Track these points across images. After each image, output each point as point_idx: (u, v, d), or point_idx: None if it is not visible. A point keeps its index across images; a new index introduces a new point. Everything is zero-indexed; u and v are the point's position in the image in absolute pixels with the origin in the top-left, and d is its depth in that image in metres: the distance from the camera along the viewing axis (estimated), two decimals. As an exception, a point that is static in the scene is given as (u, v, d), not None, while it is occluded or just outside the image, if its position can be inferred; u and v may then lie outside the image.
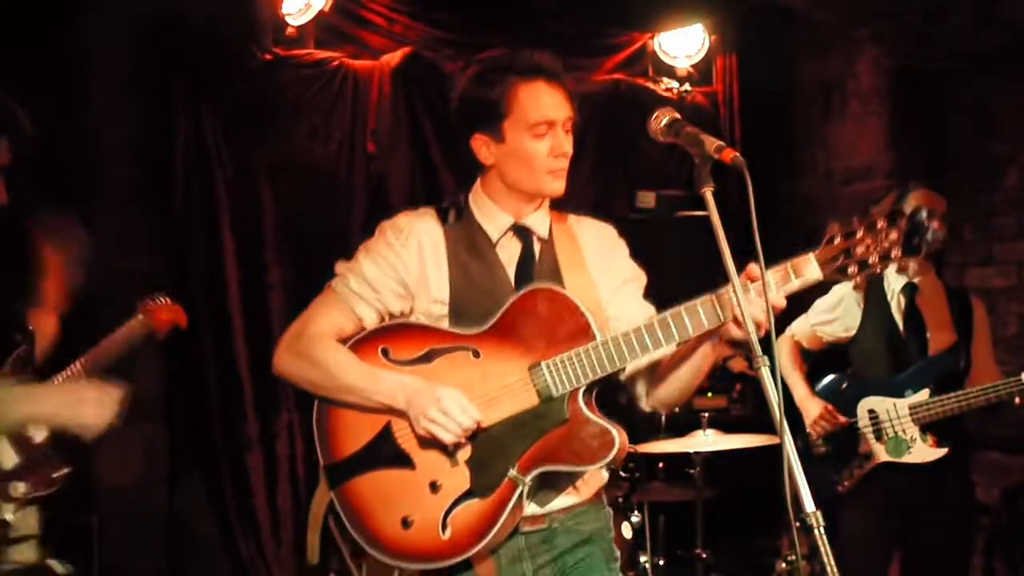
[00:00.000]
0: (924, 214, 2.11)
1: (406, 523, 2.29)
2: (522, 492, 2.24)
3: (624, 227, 2.59)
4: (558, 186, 2.39)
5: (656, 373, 2.40)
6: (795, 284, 2.13)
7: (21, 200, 2.35)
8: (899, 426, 3.72)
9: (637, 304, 2.43)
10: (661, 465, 4.77)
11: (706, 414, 4.42)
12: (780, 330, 4.05)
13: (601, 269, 2.45)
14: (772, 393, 1.94)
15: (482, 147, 2.40)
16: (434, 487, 2.28)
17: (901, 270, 3.79)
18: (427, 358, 2.32)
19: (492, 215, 2.43)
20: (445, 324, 2.35)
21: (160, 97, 4.80)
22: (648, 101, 5.62)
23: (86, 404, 2.30)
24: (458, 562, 2.27)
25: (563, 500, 2.37)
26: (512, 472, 2.24)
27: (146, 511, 4.74)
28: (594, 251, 2.48)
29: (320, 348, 2.36)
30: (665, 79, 5.90)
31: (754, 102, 5.97)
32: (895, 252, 2.09)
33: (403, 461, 2.31)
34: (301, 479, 4.98)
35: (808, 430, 3.85)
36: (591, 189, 5.51)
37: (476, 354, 2.30)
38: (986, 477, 4.79)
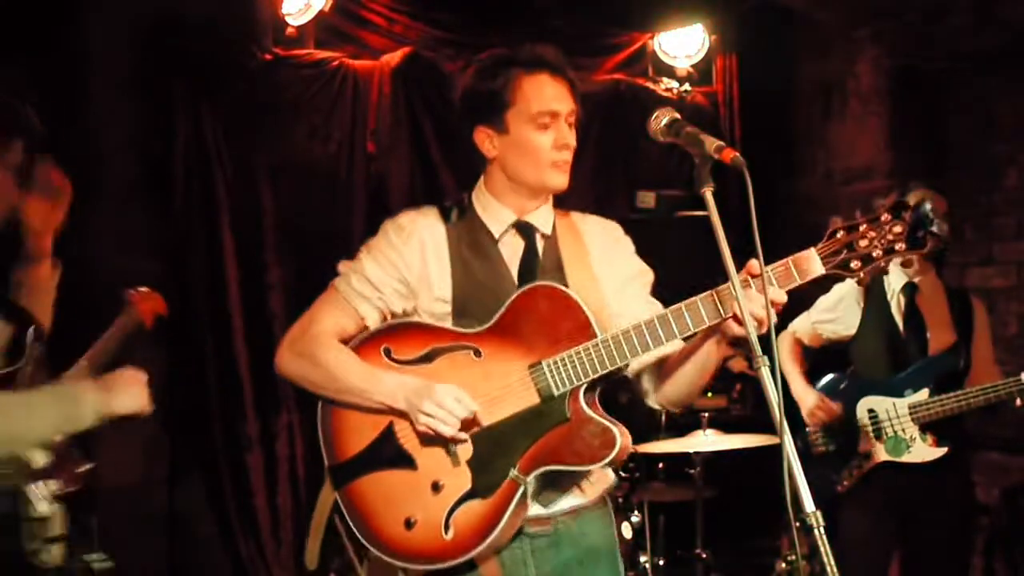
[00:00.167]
0: (929, 206, 2.09)
1: (409, 524, 2.29)
2: (524, 492, 2.24)
3: (624, 227, 2.59)
4: (561, 179, 2.38)
5: (663, 370, 2.38)
6: (797, 280, 2.12)
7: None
8: (899, 425, 3.72)
9: (643, 301, 2.42)
10: (661, 465, 4.77)
11: (706, 414, 4.42)
12: (782, 327, 4.06)
13: (605, 266, 2.44)
14: (772, 393, 1.93)
15: (485, 140, 2.39)
16: (436, 487, 2.28)
17: (906, 264, 3.77)
18: (428, 357, 2.32)
19: (495, 212, 2.42)
20: (448, 322, 2.35)
21: (160, 97, 4.80)
22: (648, 101, 5.62)
23: (126, 392, 2.30)
24: (462, 562, 2.26)
25: (568, 501, 2.36)
26: (513, 472, 2.23)
27: (146, 511, 4.74)
28: (598, 248, 2.47)
29: (322, 348, 2.36)
30: (665, 79, 5.90)
31: (754, 102, 5.97)
32: (899, 245, 2.08)
33: (405, 461, 2.31)
34: (301, 479, 4.98)
35: (805, 421, 3.86)
36: (591, 189, 5.51)
37: (477, 353, 2.30)
38: (986, 477, 4.79)
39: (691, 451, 4.30)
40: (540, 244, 2.43)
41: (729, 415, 5.23)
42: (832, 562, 1.86)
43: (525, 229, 2.42)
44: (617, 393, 2.41)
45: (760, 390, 1.96)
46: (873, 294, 3.88)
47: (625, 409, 2.32)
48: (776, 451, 1.91)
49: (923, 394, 3.71)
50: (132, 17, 4.66)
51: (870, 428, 3.78)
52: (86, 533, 2.25)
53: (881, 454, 3.75)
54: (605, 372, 2.22)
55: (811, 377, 4.01)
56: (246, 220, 4.94)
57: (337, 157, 5.14)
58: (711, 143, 2.08)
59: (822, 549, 1.87)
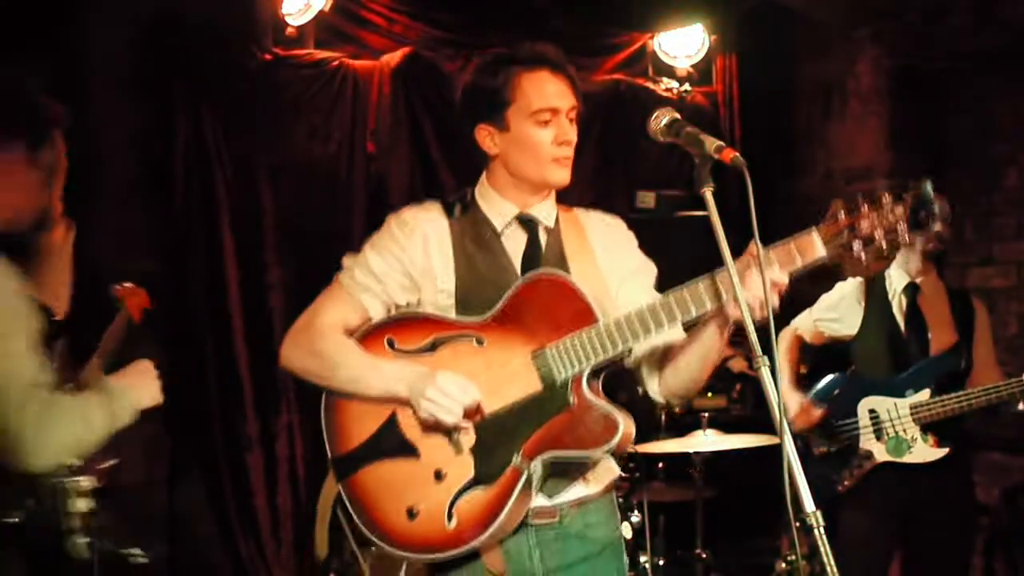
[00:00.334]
0: (930, 187, 2.07)
1: (412, 514, 2.28)
2: (528, 479, 2.23)
3: (623, 227, 2.59)
4: (563, 175, 2.39)
5: (665, 360, 2.38)
6: (798, 261, 2.11)
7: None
8: (900, 426, 3.72)
9: (647, 294, 2.41)
10: (661, 465, 4.77)
11: (706, 414, 4.42)
12: (784, 323, 4.06)
13: (609, 259, 2.45)
14: (772, 393, 1.93)
15: (486, 137, 2.40)
16: (439, 476, 2.28)
17: (908, 246, 3.76)
18: (432, 347, 2.33)
19: (497, 205, 2.43)
20: (452, 314, 2.36)
21: (160, 97, 4.80)
22: (648, 101, 5.62)
23: (145, 386, 2.34)
24: (465, 552, 2.25)
25: (573, 491, 2.36)
26: (516, 459, 2.23)
27: (146, 511, 4.74)
28: (601, 242, 2.48)
29: (325, 341, 2.37)
30: (665, 79, 5.90)
31: (754, 102, 5.97)
32: (901, 227, 2.06)
33: (408, 450, 2.31)
34: (301, 479, 4.98)
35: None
36: (592, 189, 5.50)
37: (480, 342, 2.30)
38: (986, 477, 4.79)
39: (691, 451, 4.30)
40: (543, 237, 2.44)
41: (729, 415, 5.23)
42: (832, 562, 1.86)
43: (528, 222, 2.43)
44: (617, 392, 2.40)
45: (760, 390, 1.96)
46: (875, 294, 3.88)
47: (625, 408, 2.31)
48: (776, 451, 1.91)
49: (924, 394, 3.70)
50: (132, 17, 4.67)
51: (871, 428, 3.77)
52: (116, 528, 2.26)
53: (882, 454, 3.74)
54: (608, 357, 2.22)
55: (811, 377, 4.01)
56: (246, 220, 4.95)
57: (337, 157, 5.15)
58: (711, 143, 2.08)
59: (822, 549, 1.87)
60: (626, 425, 2.21)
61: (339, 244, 5.08)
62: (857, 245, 2.07)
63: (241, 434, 4.92)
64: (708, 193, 2.06)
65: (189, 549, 4.87)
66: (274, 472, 4.98)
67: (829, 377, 3.97)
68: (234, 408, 4.91)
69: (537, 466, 2.24)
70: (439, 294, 2.37)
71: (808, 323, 4.05)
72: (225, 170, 4.91)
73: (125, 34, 4.68)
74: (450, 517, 2.25)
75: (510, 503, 2.22)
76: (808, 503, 1.87)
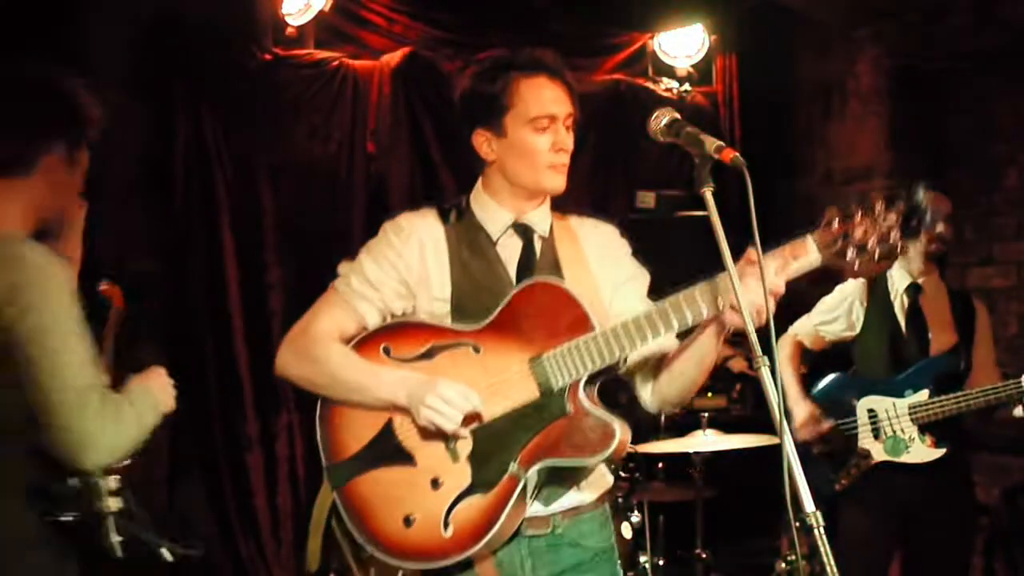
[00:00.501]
0: (922, 195, 2.10)
1: (408, 521, 2.28)
2: (524, 487, 2.23)
3: (624, 227, 2.59)
4: (559, 181, 2.39)
5: (659, 368, 2.39)
6: (793, 267, 2.12)
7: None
8: (897, 426, 3.72)
9: (640, 302, 2.41)
10: (661, 465, 4.76)
11: (706, 414, 4.42)
12: (783, 329, 4.06)
13: (603, 267, 2.45)
14: (772, 393, 1.93)
15: (483, 143, 2.40)
16: (435, 484, 2.28)
17: (903, 251, 3.77)
18: (428, 355, 2.32)
19: (493, 213, 2.43)
20: (448, 322, 2.36)
21: (160, 97, 4.80)
22: (648, 101, 5.62)
23: (163, 391, 2.35)
24: (460, 561, 2.25)
25: (567, 500, 2.36)
26: (513, 466, 2.22)
27: (146, 511, 4.74)
28: (595, 250, 2.48)
29: (322, 348, 2.36)
30: (665, 79, 5.90)
31: (754, 102, 5.97)
32: (895, 234, 2.08)
33: (404, 458, 2.31)
34: (301, 479, 4.98)
35: (792, 432, 3.84)
36: (591, 189, 5.51)
37: (477, 349, 2.30)
38: (986, 477, 4.79)
39: (691, 451, 4.30)
40: (538, 245, 2.44)
41: (729, 415, 5.23)
42: (832, 562, 1.86)
43: (523, 230, 2.43)
44: (617, 393, 2.41)
45: (760, 390, 1.96)
46: (877, 294, 3.88)
47: (625, 409, 2.31)
48: (776, 451, 1.91)
49: (923, 395, 3.71)
50: (132, 17, 4.66)
51: (869, 428, 3.78)
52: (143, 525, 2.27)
53: (880, 454, 3.75)
54: (604, 365, 2.22)
55: (812, 377, 4.01)
56: (246, 220, 4.94)
57: (337, 157, 5.15)
58: (711, 143, 2.08)
59: (822, 549, 1.87)
60: (623, 433, 2.21)
61: (339, 244, 5.11)
62: (851, 252, 2.09)
63: (241, 434, 4.92)
64: (708, 193, 2.06)
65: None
66: (274, 472, 4.98)
67: (830, 377, 3.97)
68: (234, 408, 4.91)
69: (533, 474, 2.24)
70: (435, 302, 2.37)
71: (808, 328, 4.04)
72: (225, 170, 4.91)
73: (125, 34, 4.67)
74: (446, 525, 2.25)
75: (507, 511, 2.22)
76: (808, 503, 1.87)
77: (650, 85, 5.86)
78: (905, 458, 3.71)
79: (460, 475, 2.26)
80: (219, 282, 4.91)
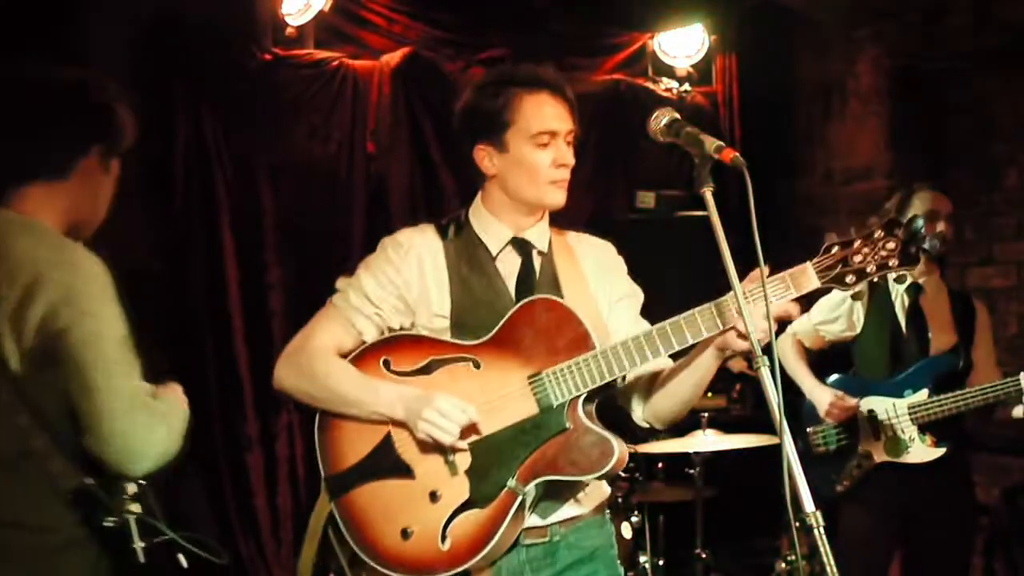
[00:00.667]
0: (921, 223, 2.13)
1: (406, 534, 2.29)
2: (522, 502, 2.24)
3: (624, 227, 2.60)
4: (559, 197, 2.40)
5: (654, 385, 2.40)
6: (793, 293, 2.15)
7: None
8: (898, 426, 3.72)
9: (632, 320, 2.45)
10: (661, 465, 4.77)
11: (706, 414, 4.42)
12: (781, 329, 4.06)
13: (599, 284, 2.47)
14: (772, 393, 1.94)
15: (484, 158, 2.41)
16: (434, 497, 2.29)
17: (899, 280, 3.80)
18: (427, 369, 2.34)
19: (492, 229, 2.44)
20: (447, 337, 2.36)
21: (160, 97, 4.80)
22: (648, 101, 5.61)
23: (180, 401, 2.36)
24: (458, 574, 2.26)
25: (565, 511, 2.37)
26: (511, 482, 2.24)
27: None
28: (592, 267, 2.50)
29: (320, 362, 2.37)
30: (665, 79, 5.90)
31: (754, 102, 5.97)
32: (892, 262, 2.13)
33: (403, 471, 2.31)
34: (301, 479, 4.98)
35: (822, 418, 3.84)
36: (591, 189, 5.50)
37: (476, 365, 2.31)
38: (986, 477, 4.79)
39: (691, 451, 4.30)
40: (537, 261, 2.45)
41: (729, 415, 5.23)
42: (832, 562, 1.86)
43: (522, 246, 2.44)
44: (610, 407, 2.41)
45: (760, 390, 1.97)
46: (877, 294, 3.88)
47: (625, 413, 2.32)
48: (776, 451, 1.91)
49: (922, 394, 3.71)
50: (132, 17, 4.66)
51: (869, 428, 3.78)
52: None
53: (880, 454, 3.75)
54: (604, 383, 2.24)
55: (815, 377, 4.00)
56: (246, 220, 4.94)
57: (337, 157, 5.14)
58: (711, 143, 2.09)
59: (822, 549, 1.87)
60: (621, 450, 2.23)
61: (339, 244, 5.12)
62: (850, 278, 2.15)
63: (241, 434, 4.91)
64: (708, 193, 2.07)
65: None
66: (274, 472, 4.98)
67: (832, 378, 3.96)
68: (234, 408, 4.90)
69: (532, 489, 2.25)
70: (434, 318, 2.38)
71: (808, 328, 4.04)
72: (225, 170, 4.90)
73: (125, 34, 4.67)
74: (444, 538, 2.26)
75: (504, 526, 2.23)
76: (808, 503, 1.88)
77: (650, 85, 5.86)
78: (905, 458, 3.71)
79: (458, 489, 2.27)
80: (219, 282, 4.91)
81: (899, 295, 3.85)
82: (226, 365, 4.89)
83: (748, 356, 2.01)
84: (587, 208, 5.25)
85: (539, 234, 2.46)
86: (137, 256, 4.61)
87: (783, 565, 4.42)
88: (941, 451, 3.68)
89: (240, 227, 4.93)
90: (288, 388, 2.42)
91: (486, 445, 2.27)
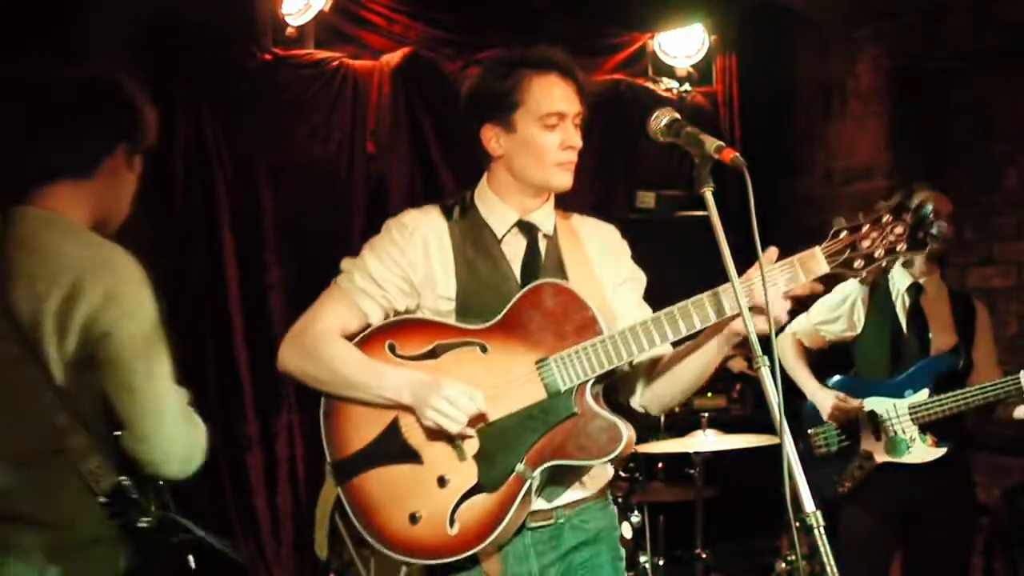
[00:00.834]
0: (929, 208, 2.13)
1: (414, 518, 2.29)
2: (530, 487, 2.24)
3: (624, 227, 2.59)
4: (566, 179, 2.40)
5: (655, 371, 2.39)
6: (802, 278, 2.15)
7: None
8: (898, 426, 3.72)
9: (635, 304, 2.44)
10: (661, 465, 4.77)
11: (706, 414, 4.42)
12: (780, 329, 4.05)
13: (603, 267, 2.46)
14: (772, 393, 1.94)
15: (491, 138, 2.40)
16: (442, 482, 2.28)
17: (907, 264, 3.79)
18: (433, 353, 2.33)
19: (497, 211, 2.43)
20: (452, 320, 2.36)
21: (160, 97, 4.78)
22: (648, 101, 5.61)
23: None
24: (465, 558, 2.26)
25: (570, 495, 2.37)
26: (520, 466, 2.24)
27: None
28: (597, 249, 2.49)
29: (324, 344, 2.36)
30: (665, 79, 5.90)
31: (754, 102, 5.97)
32: (901, 246, 2.12)
33: (411, 456, 2.31)
34: (301, 479, 4.98)
35: (827, 420, 3.84)
36: (591, 189, 5.51)
37: (483, 349, 2.31)
38: (986, 477, 4.79)
39: (691, 451, 4.30)
40: (542, 244, 2.44)
41: (729, 415, 5.23)
42: (832, 562, 1.86)
43: (528, 229, 2.44)
44: (609, 394, 2.41)
45: (760, 390, 1.97)
46: (878, 294, 3.88)
47: (623, 409, 2.32)
48: (776, 451, 1.91)
49: (923, 395, 3.71)
50: (132, 17, 4.66)
51: (870, 429, 3.78)
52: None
53: (881, 455, 3.75)
54: (612, 367, 2.24)
55: (815, 378, 4.00)
56: (246, 220, 4.94)
57: (337, 157, 5.14)
58: (711, 143, 2.09)
59: (822, 549, 1.87)
60: (629, 434, 2.23)
61: (339, 244, 5.08)
62: (859, 263, 2.14)
63: (241, 434, 4.91)
64: (708, 193, 2.07)
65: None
66: (274, 472, 4.97)
67: (835, 379, 3.96)
68: (234, 408, 4.90)
69: (539, 474, 2.25)
70: (439, 300, 2.37)
71: (808, 328, 4.04)
72: (225, 170, 4.90)
73: (125, 34, 4.67)
74: (452, 522, 2.26)
75: (512, 509, 2.23)
76: (808, 503, 1.88)
77: (650, 85, 5.86)
78: (906, 458, 3.71)
79: (467, 473, 2.27)
80: (219, 282, 4.91)
81: (900, 295, 3.85)
82: (226, 365, 4.89)
83: (748, 356, 2.01)
84: (587, 208, 5.24)
85: (545, 217, 2.46)
86: (137, 256, 4.61)
87: (783, 565, 4.42)
88: (942, 451, 3.68)
89: (240, 227, 4.93)
90: (292, 370, 2.41)
91: (494, 430, 2.27)
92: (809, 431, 3.90)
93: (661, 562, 4.44)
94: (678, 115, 2.23)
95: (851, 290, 3.94)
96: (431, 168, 5.27)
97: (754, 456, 4.02)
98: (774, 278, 2.13)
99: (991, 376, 3.74)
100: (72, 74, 2.31)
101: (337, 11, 5.12)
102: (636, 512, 4.27)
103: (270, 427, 4.97)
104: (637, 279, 2.51)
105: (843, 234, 2.14)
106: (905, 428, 3.71)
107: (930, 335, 3.81)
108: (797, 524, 1.89)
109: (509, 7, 5.30)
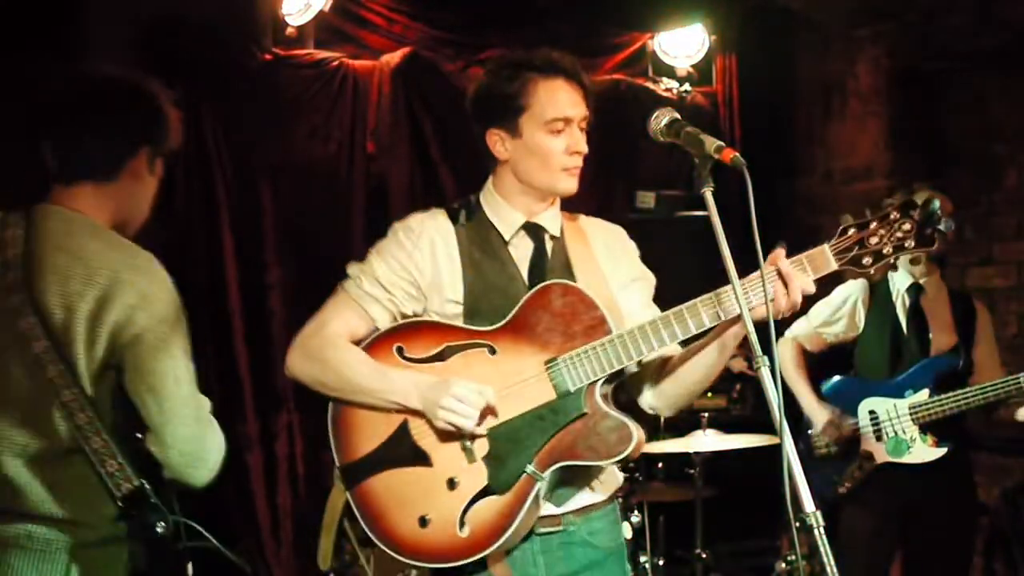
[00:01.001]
0: (937, 204, 2.12)
1: (423, 522, 2.28)
2: (540, 488, 2.23)
3: (624, 227, 2.59)
4: (571, 184, 2.40)
5: (664, 369, 2.39)
6: (810, 275, 2.15)
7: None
8: (899, 426, 3.72)
9: (643, 304, 2.44)
10: (661, 465, 4.77)
11: (706, 414, 4.42)
12: (779, 333, 4.05)
13: (611, 267, 2.46)
14: (772, 393, 1.94)
15: (497, 142, 2.39)
16: (452, 484, 2.28)
17: (915, 261, 3.78)
18: (442, 356, 2.32)
19: (504, 213, 2.43)
20: (460, 323, 2.35)
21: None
22: (648, 101, 5.61)
23: None
24: (474, 561, 2.25)
25: (579, 499, 2.36)
26: (530, 468, 2.23)
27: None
28: (604, 250, 2.49)
29: (332, 349, 2.36)
30: (665, 79, 5.89)
31: (754, 102, 5.97)
32: (909, 242, 2.12)
33: (420, 459, 2.31)
34: (301, 479, 4.97)
35: (815, 435, 3.84)
36: (592, 189, 5.45)
37: (492, 351, 2.30)
38: (986, 477, 4.79)
39: (691, 451, 4.30)
40: (549, 245, 2.44)
41: (729, 415, 5.22)
42: (832, 562, 1.86)
43: (534, 231, 2.43)
44: (617, 394, 2.41)
45: (760, 390, 1.96)
46: (878, 295, 3.88)
47: (625, 410, 2.32)
48: (776, 451, 1.91)
49: (923, 395, 3.71)
50: (132, 17, 4.66)
51: (871, 429, 3.78)
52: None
53: (882, 455, 3.75)
54: (621, 367, 2.23)
55: (814, 379, 3.99)
56: (246, 220, 4.94)
57: (337, 157, 5.14)
58: (711, 143, 2.09)
59: (822, 549, 1.87)
60: (639, 434, 2.23)
61: (339, 244, 5.11)
62: (867, 259, 2.14)
63: (241, 434, 4.90)
64: (708, 193, 2.07)
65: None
66: (274, 472, 4.97)
67: (834, 379, 3.96)
68: (234, 408, 4.90)
69: (549, 475, 2.24)
70: (447, 303, 2.37)
71: (808, 331, 4.03)
72: (225, 170, 4.90)
73: (125, 34, 4.67)
74: (462, 525, 2.25)
75: (523, 511, 2.22)
76: (808, 503, 1.87)
77: (650, 85, 5.85)
78: (907, 459, 3.71)
79: (476, 476, 2.26)
80: (219, 282, 4.90)
81: (900, 296, 3.86)
82: (226, 365, 4.88)
83: (748, 356, 2.01)
84: (587, 208, 5.24)
85: (551, 219, 2.45)
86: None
87: (783, 565, 4.42)
88: (942, 451, 3.68)
89: (240, 227, 4.93)
90: (300, 376, 2.41)
91: (503, 431, 2.26)
92: (809, 432, 3.91)
93: (661, 562, 4.44)
94: (678, 115, 2.23)
95: (852, 291, 3.94)
96: (431, 168, 5.27)
97: (754, 456, 4.02)
98: (790, 270, 2.13)
99: (995, 376, 3.74)
100: (96, 75, 2.30)
101: (337, 11, 5.11)
102: (636, 512, 4.28)
103: (270, 427, 4.96)
104: (646, 279, 2.51)
105: (851, 231, 2.14)
106: (905, 428, 3.71)
107: (930, 335, 3.81)
108: (797, 524, 1.89)
109: (509, 7, 5.30)
